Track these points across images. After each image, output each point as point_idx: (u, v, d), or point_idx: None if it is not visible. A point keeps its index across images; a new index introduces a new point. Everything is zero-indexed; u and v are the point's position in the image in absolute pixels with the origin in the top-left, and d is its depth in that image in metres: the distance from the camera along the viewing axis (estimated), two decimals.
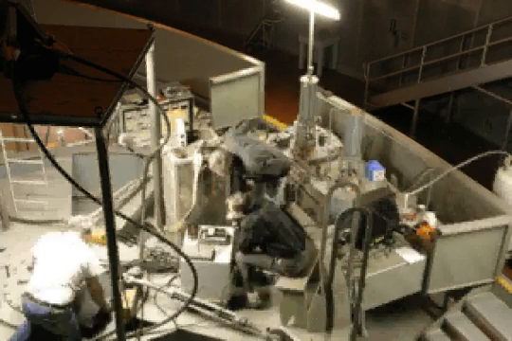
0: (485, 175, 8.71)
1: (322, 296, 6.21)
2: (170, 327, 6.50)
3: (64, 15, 12.30)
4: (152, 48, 5.06)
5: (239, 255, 6.75)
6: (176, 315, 6.25)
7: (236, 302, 6.84)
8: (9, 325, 6.46)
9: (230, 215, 6.80)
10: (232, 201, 6.73)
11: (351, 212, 6.41)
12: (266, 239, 6.61)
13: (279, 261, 6.61)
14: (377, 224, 7.08)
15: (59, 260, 6.20)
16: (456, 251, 7.25)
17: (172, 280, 7.02)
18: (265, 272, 7.07)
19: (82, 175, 8.30)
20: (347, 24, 13.99)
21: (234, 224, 6.96)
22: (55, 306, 5.96)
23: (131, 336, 5.77)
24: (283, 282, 6.57)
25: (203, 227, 7.02)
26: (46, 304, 5.95)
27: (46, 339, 6.25)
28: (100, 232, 7.42)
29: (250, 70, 9.83)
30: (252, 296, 6.84)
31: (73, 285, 6.12)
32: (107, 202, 3.44)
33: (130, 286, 6.72)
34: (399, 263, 7.28)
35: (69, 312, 6.08)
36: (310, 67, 8.69)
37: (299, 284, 6.38)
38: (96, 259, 6.31)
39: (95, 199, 3.55)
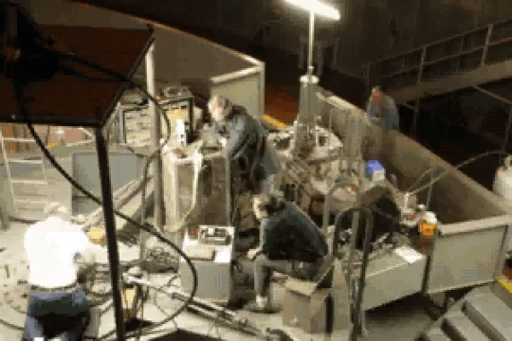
0: (485, 175, 8.72)
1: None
2: (169, 327, 6.50)
3: (64, 15, 12.31)
4: (152, 48, 5.06)
5: (260, 258, 6.64)
6: (176, 315, 6.25)
7: (240, 304, 6.82)
8: (9, 325, 6.46)
9: (258, 215, 6.66)
10: (258, 199, 6.58)
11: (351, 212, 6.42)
12: (289, 241, 6.47)
13: (300, 265, 6.55)
14: (381, 222, 7.10)
15: (50, 245, 6.30)
16: (456, 251, 7.26)
17: (171, 280, 7.02)
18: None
19: (82, 175, 8.30)
20: (347, 24, 13.98)
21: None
22: (67, 287, 6.12)
23: (131, 336, 5.76)
24: (293, 284, 6.49)
25: (203, 227, 7.03)
26: (59, 288, 6.09)
27: (57, 328, 6.31)
28: (99, 232, 7.45)
29: (250, 70, 9.85)
30: (262, 301, 6.77)
31: (72, 262, 6.32)
32: (107, 202, 3.44)
33: (130, 286, 6.72)
34: (399, 263, 7.29)
35: (79, 287, 6.29)
36: (310, 67, 8.70)
37: (307, 288, 6.31)
38: (83, 234, 6.61)
39: (95, 199, 3.55)
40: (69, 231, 6.51)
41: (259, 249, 6.65)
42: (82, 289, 6.43)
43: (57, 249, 6.24)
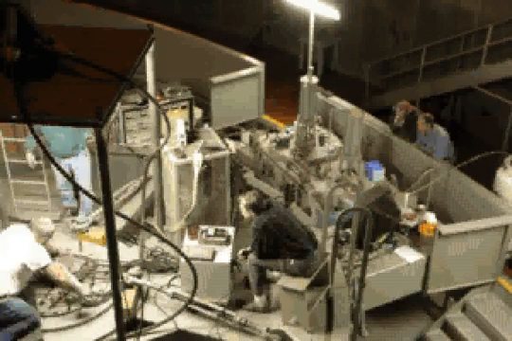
0: (485, 175, 8.71)
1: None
2: (170, 327, 6.51)
3: (64, 15, 12.29)
4: (152, 49, 5.06)
5: (251, 257, 6.68)
6: (176, 315, 6.25)
7: (240, 304, 6.83)
8: None
9: (244, 215, 6.71)
10: (245, 199, 6.64)
11: (351, 212, 6.41)
12: (278, 239, 6.53)
13: (291, 262, 6.55)
14: (381, 222, 7.10)
15: (3, 253, 6.25)
16: (456, 251, 7.25)
17: (172, 280, 7.03)
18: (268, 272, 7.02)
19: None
20: (347, 24, 13.98)
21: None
22: None
23: (131, 336, 5.77)
24: (285, 281, 6.53)
25: (203, 227, 7.03)
26: None
27: None
28: (99, 232, 7.46)
29: (250, 70, 9.83)
30: (259, 300, 6.79)
31: (15, 278, 6.14)
32: (107, 202, 3.44)
33: (130, 286, 6.72)
34: (399, 263, 7.29)
35: (4, 303, 6.02)
36: (310, 67, 8.69)
37: (300, 284, 6.35)
38: (39, 252, 6.35)
39: (95, 199, 3.55)
40: (23, 248, 6.36)
41: (248, 247, 6.70)
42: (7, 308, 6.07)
43: (5, 259, 6.17)
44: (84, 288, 6.66)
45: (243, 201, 6.63)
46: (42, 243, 6.48)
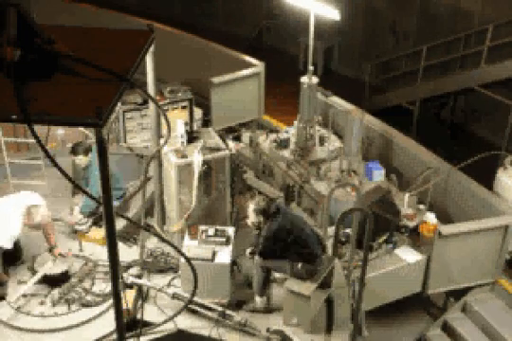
0: (485, 175, 8.72)
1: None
2: (170, 327, 6.50)
3: (64, 15, 12.31)
4: (152, 49, 5.06)
5: (257, 258, 6.62)
6: (176, 315, 6.24)
7: (240, 304, 6.82)
8: (10, 325, 6.46)
9: (251, 219, 6.59)
10: (253, 204, 6.55)
11: (352, 212, 6.41)
12: (287, 245, 6.44)
13: (299, 265, 6.50)
14: (381, 222, 7.11)
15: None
16: (456, 251, 7.26)
17: (172, 281, 7.03)
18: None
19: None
20: (347, 24, 13.99)
21: (255, 228, 6.66)
22: None
23: (131, 336, 5.76)
24: (292, 284, 6.47)
25: (203, 227, 7.03)
26: None
27: None
28: (99, 232, 7.45)
29: (250, 70, 9.85)
30: (261, 301, 6.76)
31: None
32: (107, 202, 3.44)
33: (130, 286, 6.71)
34: (399, 263, 7.30)
35: None
36: (310, 68, 8.70)
37: (307, 288, 6.30)
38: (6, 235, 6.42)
39: (95, 199, 3.55)
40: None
41: (256, 249, 6.64)
42: None
43: None
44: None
45: (252, 206, 6.52)
46: (25, 225, 6.57)
